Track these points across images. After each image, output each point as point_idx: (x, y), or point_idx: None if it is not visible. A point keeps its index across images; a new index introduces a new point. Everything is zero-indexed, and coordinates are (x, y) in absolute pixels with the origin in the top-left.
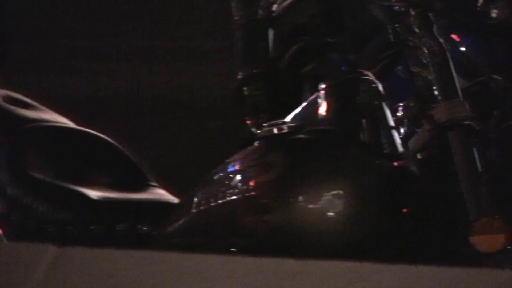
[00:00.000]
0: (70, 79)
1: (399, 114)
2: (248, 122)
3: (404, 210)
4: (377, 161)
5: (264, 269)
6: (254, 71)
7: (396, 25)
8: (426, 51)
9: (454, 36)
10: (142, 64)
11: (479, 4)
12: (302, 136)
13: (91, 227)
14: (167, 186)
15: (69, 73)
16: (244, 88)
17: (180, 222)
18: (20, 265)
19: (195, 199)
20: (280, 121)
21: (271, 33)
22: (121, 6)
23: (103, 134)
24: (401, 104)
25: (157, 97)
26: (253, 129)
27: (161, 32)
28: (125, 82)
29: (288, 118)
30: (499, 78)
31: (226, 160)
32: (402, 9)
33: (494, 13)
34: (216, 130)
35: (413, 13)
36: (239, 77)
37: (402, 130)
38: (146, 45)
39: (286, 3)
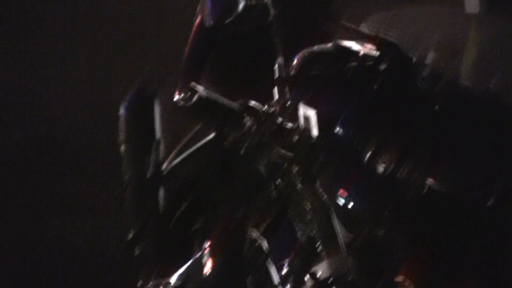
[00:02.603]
0: None
1: (284, 271)
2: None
3: None
4: None
5: None
6: (145, 228)
7: (279, 181)
8: (309, 207)
9: (339, 190)
10: None
11: (366, 158)
12: None
13: None
14: None
15: None
16: (136, 244)
17: None
18: None
19: None
20: (165, 280)
21: (161, 189)
22: None
23: None
24: (286, 260)
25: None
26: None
27: None
28: None
29: (175, 276)
30: (382, 230)
31: None
32: (285, 165)
33: (381, 167)
34: None
35: (294, 169)
36: (130, 233)
37: (288, 287)
38: None
39: (175, 161)
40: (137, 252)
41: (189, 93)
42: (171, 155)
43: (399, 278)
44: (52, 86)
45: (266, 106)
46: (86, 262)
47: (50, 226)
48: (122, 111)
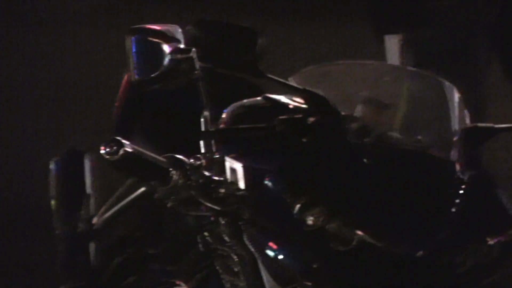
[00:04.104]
0: None
1: None
2: None
3: None
4: None
5: None
6: (77, 283)
7: (206, 234)
8: (236, 260)
9: (268, 243)
10: None
11: (295, 212)
12: None
13: None
14: None
15: None
16: None
17: None
18: None
19: None
20: None
21: (92, 246)
22: None
23: None
24: None
25: None
26: None
27: None
28: None
29: None
30: (309, 284)
31: None
32: (212, 218)
33: (310, 220)
34: None
35: (222, 222)
36: None
37: None
38: None
39: (106, 216)
40: None
41: (115, 147)
42: (102, 210)
43: None
44: None
45: (192, 160)
46: None
47: None
48: (52, 166)
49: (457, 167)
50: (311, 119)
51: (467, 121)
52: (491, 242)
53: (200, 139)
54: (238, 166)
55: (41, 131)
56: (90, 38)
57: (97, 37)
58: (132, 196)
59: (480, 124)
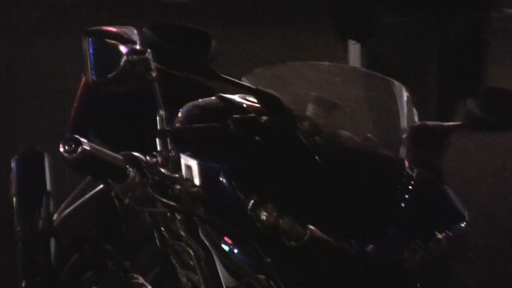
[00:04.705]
0: None
1: None
2: None
3: None
4: None
5: None
6: (37, 279)
7: (162, 229)
8: (192, 254)
9: (222, 238)
10: None
11: (248, 208)
12: None
13: None
14: None
15: None
16: None
17: None
18: None
19: None
20: None
21: (52, 242)
22: None
23: None
24: None
25: None
26: None
27: None
28: None
29: None
30: (262, 277)
31: None
32: (168, 214)
33: (263, 216)
34: None
35: (178, 218)
36: (23, 285)
37: None
38: None
39: (64, 213)
40: None
41: (73, 145)
42: (61, 208)
43: None
44: None
45: (148, 158)
46: None
47: None
48: (12, 165)
49: (406, 164)
50: (264, 118)
51: (416, 119)
52: (439, 236)
53: (156, 138)
54: (193, 164)
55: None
56: (46, 44)
57: (53, 43)
58: (90, 194)
59: (428, 122)
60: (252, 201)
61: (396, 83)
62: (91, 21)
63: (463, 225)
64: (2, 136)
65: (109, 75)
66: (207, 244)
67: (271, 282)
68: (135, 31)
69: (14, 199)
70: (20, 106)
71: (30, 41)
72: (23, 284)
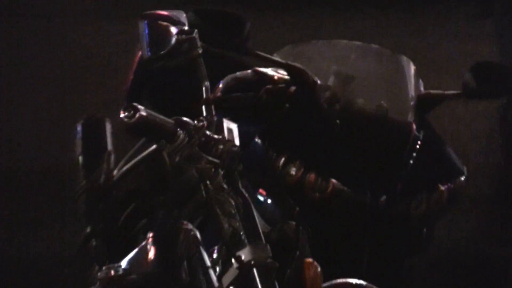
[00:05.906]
0: None
1: (214, 255)
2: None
3: None
4: None
5: None
6: (99, 225)
7: (208, 182)
8: (233, 203)
9: (258, 190)
10: None
11: (280, 164)
12: (134, 277)
13: None
14: None
15: None
16: (91, 238)
17: None
18: None
19: None
20: (116, 264)
21: (111, 196)
22: None
23: None
24: (215, 247)
25: None
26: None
27: None
28: None
29: (123, 262)
30: (293, 223)
31: None
32: (213, 170)
33: (292, 171)
34: None
35: (221, 172)
36: (87, 231)
37: (217, 269)
38: None
39: (122, 170)
40: (92, 245)
41: (132, 111)
42: (119, 165)
43: (308, 260)
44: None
45: (196, 122)
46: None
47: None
48: (78, 128)
49: (413, 127)
50: (292, 88)
51: (421, 88)
52: (441, 189)
53: (202, 105)
54: (233, 127)
55: (66, 105)
56: (100, 27)
57: (109, 26)
58: (144, 153)
59: (432, 91)
60: (283, 159)
61: (405, 57)
62: (145, 6)
63: (462, 179)
64: (70, 105)
65: (161, 52)
66: (246, 195)
67: (300, 227)
68: (184, 14)
69: (80, 158)
70: (82, 80)
71: (88, 23)
72: (88, 230)
